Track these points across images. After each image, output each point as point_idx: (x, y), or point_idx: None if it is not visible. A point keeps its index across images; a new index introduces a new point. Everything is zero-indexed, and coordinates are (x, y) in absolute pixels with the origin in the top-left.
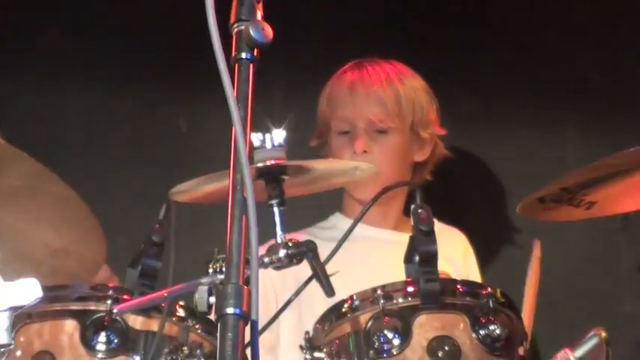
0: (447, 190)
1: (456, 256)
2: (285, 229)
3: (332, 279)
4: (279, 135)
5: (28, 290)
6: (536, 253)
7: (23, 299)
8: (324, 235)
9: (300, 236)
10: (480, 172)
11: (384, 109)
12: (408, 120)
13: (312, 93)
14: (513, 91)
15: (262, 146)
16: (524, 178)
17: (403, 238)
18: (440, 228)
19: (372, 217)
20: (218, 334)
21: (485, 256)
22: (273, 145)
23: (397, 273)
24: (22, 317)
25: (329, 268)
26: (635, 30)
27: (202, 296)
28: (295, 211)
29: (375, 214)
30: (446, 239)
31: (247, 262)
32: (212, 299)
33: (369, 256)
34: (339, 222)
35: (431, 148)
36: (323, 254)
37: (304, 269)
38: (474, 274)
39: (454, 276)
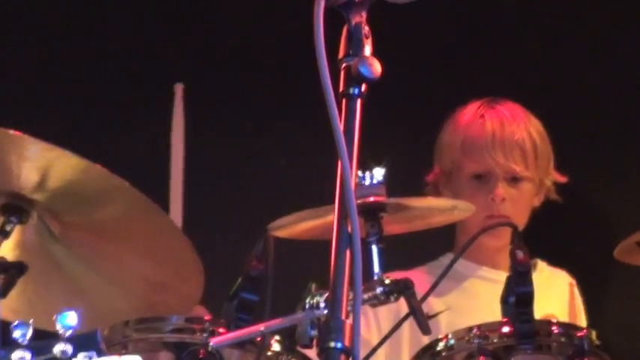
0: (553, 231)
1: (563, 299)
2: (395, 267)
3: (439, 316)
4: (378, 172)
5: None
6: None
7: None
8: (434, 274)
9: (409, 275)
10: (585, 213)
11: (524, 160)
12: (542, 169)
13: (410, 130)
14: (619, 131)
15: (362, 183)
16: (629, 221)
17: None
18: (547, 271)
19: (486, 257)
20: None
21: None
22: (372, 183)
23: None
24: (118, 349)
25: (437, 306)
26: None
27: (305, 329)
28: (405, 250)
29: (490, 253)
30: (553, 282)
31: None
32: (313, 333)
33: (479, 296)
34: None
35: (544, 193)
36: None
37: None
38: (580, 317)
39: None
